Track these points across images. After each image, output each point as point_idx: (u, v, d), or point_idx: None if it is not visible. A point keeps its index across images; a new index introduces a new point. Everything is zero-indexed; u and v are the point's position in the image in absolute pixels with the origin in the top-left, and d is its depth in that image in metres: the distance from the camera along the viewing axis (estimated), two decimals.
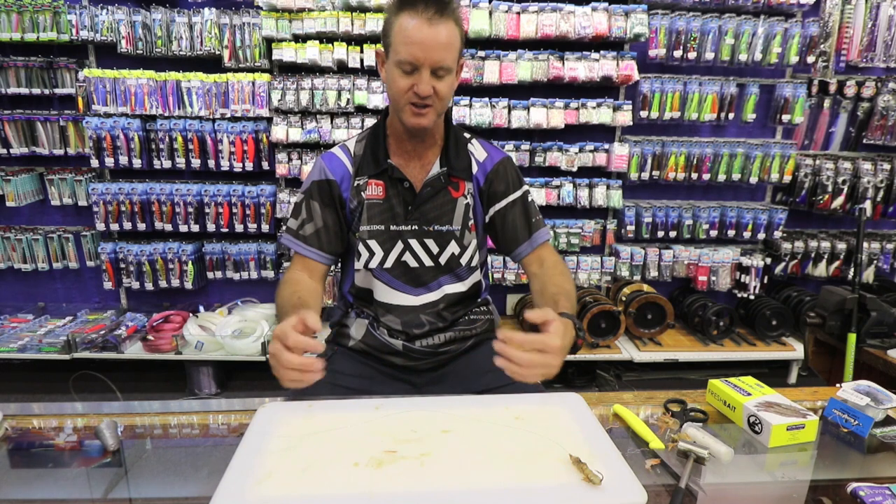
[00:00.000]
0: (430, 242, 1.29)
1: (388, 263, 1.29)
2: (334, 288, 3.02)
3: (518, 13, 2.76)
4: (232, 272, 3.06)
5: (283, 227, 1.37)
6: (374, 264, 1.29)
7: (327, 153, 1.33)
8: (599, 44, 2.86)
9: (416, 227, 1.28)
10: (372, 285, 1.31)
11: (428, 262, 1.30)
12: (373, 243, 1.29)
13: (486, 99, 2.85)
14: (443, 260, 1.30)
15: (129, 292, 3.21)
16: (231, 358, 2.82)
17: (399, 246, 1.29)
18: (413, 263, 1.29)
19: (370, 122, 2.82)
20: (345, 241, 1.34)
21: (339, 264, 1.41)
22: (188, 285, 3.02)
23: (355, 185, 1.29)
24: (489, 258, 1.51)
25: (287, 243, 1.32)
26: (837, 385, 1.07)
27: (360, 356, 1.35)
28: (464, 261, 1.32)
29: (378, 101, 2.83)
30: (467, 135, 1.36)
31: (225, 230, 3.00)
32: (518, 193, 1.33)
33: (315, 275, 1.30)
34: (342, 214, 1.31)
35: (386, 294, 1.31)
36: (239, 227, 2.98)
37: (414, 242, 1.29)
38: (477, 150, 1.34)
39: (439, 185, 1.28)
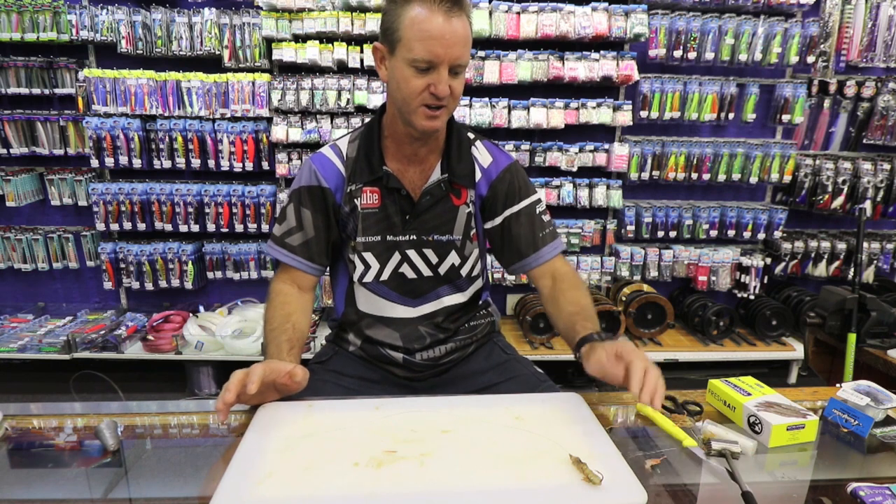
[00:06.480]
0: (430, 253, 1.22)
1: (385, 276, 1.22)
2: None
3: (518, 13, 2.76)
4: (232, 272, 3.06)
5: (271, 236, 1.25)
6: (369, 278, 1.23)
7: (317, 155, 1.23)
8: (599, 44, 2.86)
9: (415, 238, 1.21)
10: (366, 299, 1.25)
11: (427, 272, 1.23)
12: (368, 256, 1.21)
13: (486, 99, 2.85)
14: (442, 270, 1.24)
15: (129, 292, 3.21)
16: (231, 358, 2.81)
17: (396, 257, 1.22)
18: (411, 275, 1.23)
19: None
20: (336, 251, 1.26)
21: (329, 274, 1.33)
22: (188, 285, 3.02)
23: (348, 190, 1.20)
24: (489, 258, 1.48)
25: (273, 253, 1.22)
26: (837, 385, 1.07)
27: (360, 360, 1.32)
28: (464, 271, 1.26)
29: (378, 101, 2.83)
30: (471, 135, 1.26)
31: (225, 230, 3.00)
32: (525, 203, 1.23)
33: (304, 286, 1.23)
34: (335, 222, 1.22)
35: (382, 307, 1.25)
36: (239, 227, 2.97)
37: (412, 253, 1.22)
38: (482, 153, 1.24)
39: (440, 192, 1.19)
